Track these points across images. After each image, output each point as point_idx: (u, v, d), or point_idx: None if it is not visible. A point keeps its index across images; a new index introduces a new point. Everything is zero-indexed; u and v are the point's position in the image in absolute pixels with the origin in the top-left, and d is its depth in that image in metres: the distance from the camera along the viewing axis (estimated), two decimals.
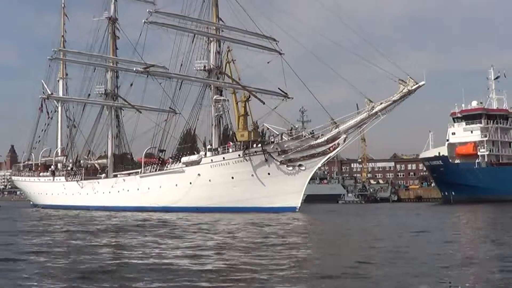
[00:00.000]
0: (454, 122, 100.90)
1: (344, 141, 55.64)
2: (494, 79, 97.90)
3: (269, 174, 58.98)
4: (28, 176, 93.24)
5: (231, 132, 69.79)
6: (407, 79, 52.59)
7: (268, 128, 60.02)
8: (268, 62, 65.52)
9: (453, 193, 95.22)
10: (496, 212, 59.99)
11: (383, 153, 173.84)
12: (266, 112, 63.74)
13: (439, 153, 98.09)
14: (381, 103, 53.94)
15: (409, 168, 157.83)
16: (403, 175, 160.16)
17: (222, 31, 67.78)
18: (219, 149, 63.24)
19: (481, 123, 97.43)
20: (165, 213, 58.73)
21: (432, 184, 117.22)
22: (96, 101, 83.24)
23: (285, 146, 58.02)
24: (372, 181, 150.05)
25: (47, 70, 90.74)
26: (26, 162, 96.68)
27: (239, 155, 59.72)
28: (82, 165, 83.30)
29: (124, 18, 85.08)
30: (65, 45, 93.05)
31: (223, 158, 61.09)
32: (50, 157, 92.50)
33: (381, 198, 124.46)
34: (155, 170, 69.34)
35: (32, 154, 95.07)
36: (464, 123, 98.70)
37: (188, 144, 70.56)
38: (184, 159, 65.69)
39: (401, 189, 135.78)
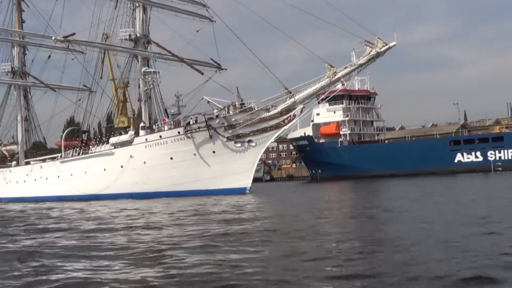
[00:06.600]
0: (318, 103, 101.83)
1: (301, 112, 49.86)
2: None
3: (214, 152, 52.52)
4: None
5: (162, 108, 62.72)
6: (374, 40, 47.47)
7: (208, 101, 53.15)
8: (197, 31, 59.79)
9: (319, 171, 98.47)
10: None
11: None
12: (201, 83, 57.61)
13: (304, 133, 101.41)
14: (345, 68, 48.63)
15: (291, 148, 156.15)
16: (285, 154, 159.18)
17: None
18: (154, 127, 56.20)
19: (343, 103, 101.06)
20: (92, 201, 51.58)
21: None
22: (2, 80, 73.70)
23: (232, 120, 51.51)
24: None
25: None
26: None
27: (178, 132, 52.84)
28: None
29: None
30: None
31: (160, 136, 54.02)
32: None
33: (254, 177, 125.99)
34: (78, 154, 61.53)
35: None
36: (327, 104, 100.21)
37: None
38: (113, 139, 58.36)
39: (274, 169, 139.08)
